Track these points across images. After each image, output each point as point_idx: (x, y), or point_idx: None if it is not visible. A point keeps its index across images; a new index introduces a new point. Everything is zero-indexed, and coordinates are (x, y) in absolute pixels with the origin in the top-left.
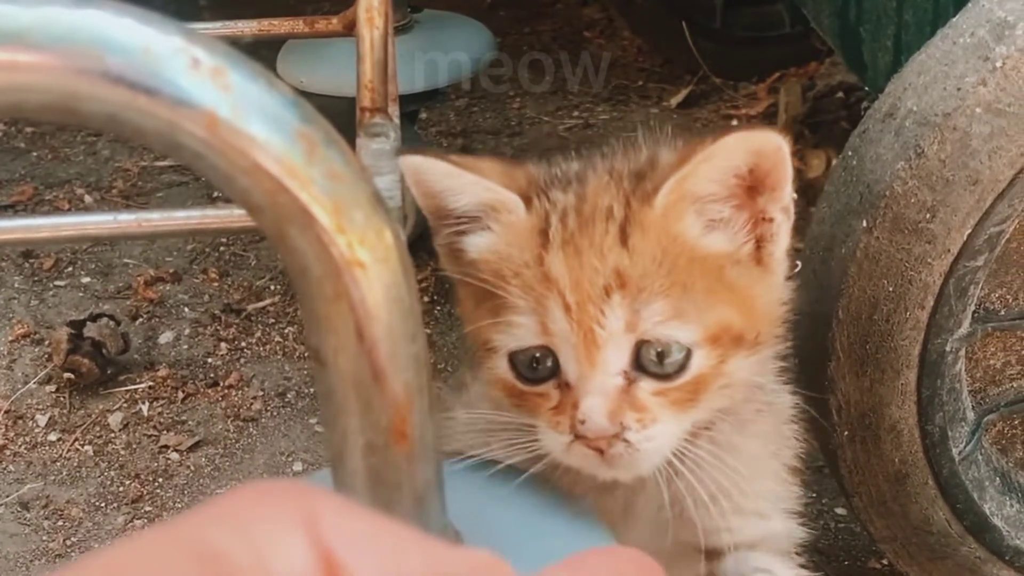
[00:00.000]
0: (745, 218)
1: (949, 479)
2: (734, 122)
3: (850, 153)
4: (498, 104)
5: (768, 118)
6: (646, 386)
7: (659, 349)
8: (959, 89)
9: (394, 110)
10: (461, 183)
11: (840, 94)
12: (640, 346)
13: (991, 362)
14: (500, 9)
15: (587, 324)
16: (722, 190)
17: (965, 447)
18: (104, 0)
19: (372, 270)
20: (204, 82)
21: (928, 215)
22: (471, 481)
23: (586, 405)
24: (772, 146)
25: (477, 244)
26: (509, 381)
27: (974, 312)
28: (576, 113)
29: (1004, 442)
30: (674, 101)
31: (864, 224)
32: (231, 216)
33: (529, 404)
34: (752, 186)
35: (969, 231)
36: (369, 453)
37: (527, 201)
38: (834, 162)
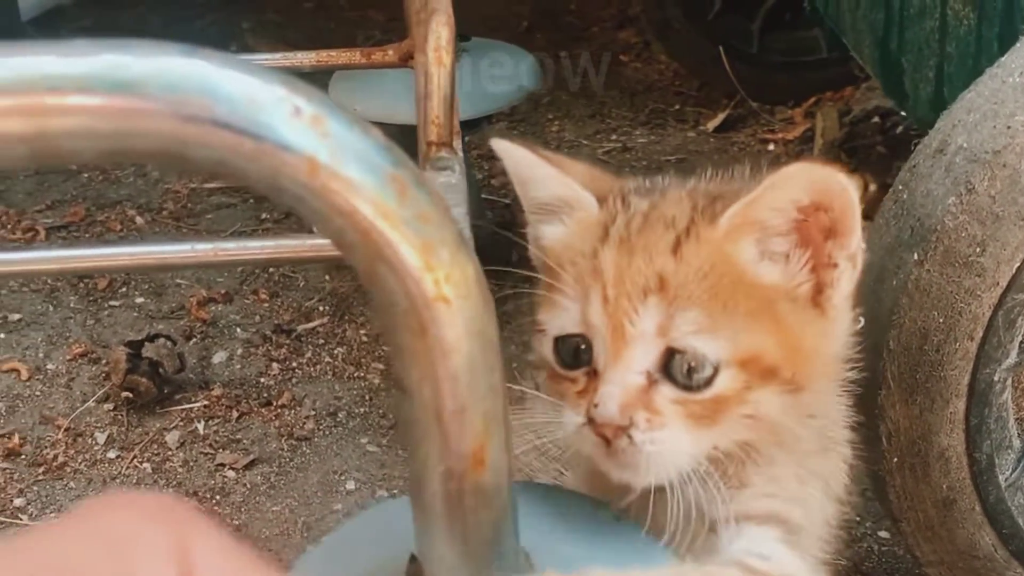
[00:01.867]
0: (807, 257)
1: (996, 505)
2: (771, 147)
3: (900, 187)
4: (537, 127)
5: (804, 142)
6: (666, 392)
7: (691, 363)
8: (1008, 127)
9: (458, 143)
10: (543, 174)
11: (876, 119)
12: (671, 353)
13: None
14: (537, 32)
15: (619, 319)
16: (784, 223)
17: (1011, 474)
18: (211, 52)
19: (456, 305)
20: (305, 129)
21: (978, 249)
22: (540, 504)
23: (603, 392)
24: (837, 184)
25: (550, 233)
26: (551, 364)
27: (1021, 343)
28: (614, 136)
29: None
30: (711, 125)
31: (915, 257)
32: (301, 246)
33: (562, 387)
34: (824, 228)
35: (1018, 265)
36: (448, 479)
37: (603, 201)
38: (871, 187)
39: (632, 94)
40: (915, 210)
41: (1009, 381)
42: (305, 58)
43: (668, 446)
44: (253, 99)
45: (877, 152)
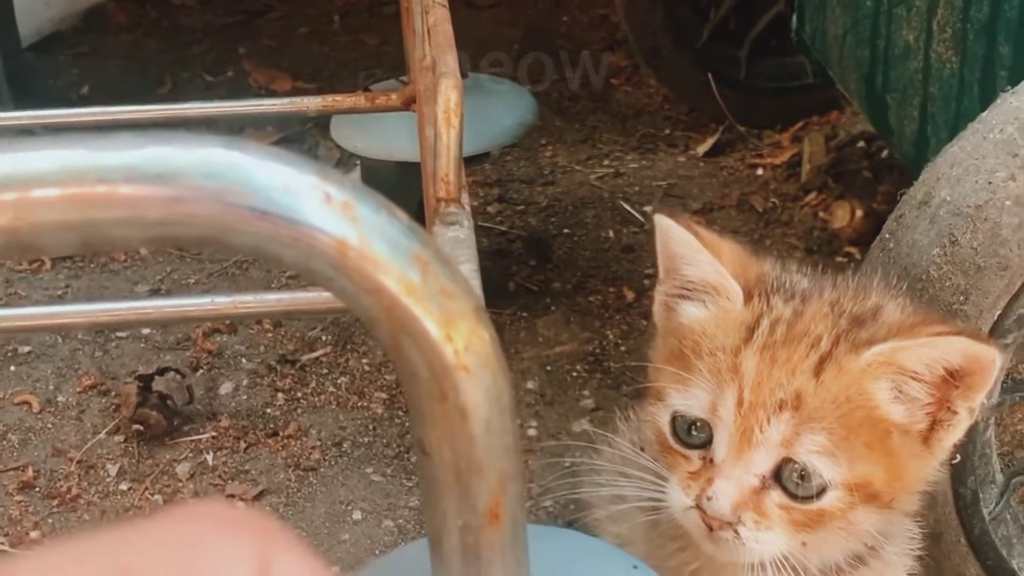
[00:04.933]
0: (932, 401)
1: (980, 537)
2: (759, 171)
3: (887, 236)
4: (530, 153)
5: (792, 167)
6: (776, 497)
7: (802, 472)
8: (990, 183)
9: (465, 198)
10: (697, 257)
11: (861, 143)
12: (786, 462)
13: (1019, 427)
14: (528, 56)
15: (750, 424)
16: (927, 375)
17: (995, 507)
18: (249, 142)
19: (474, 373)
20: (336, 215)
21: (961, 298)
22: (557, 550)
23: (719, 486)
24: (989, 359)
25: (690, 312)
26: (663, 433)
27: (1003, 383)
28: (607, 162)
29: None
30: (701, 149)
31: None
32: (318, 299)
33: (671, 459)
34: (950, 378)
35: (999, 312)
36: (466, 533)
37: (748, 296)
38: (857, 213)
39: (623, 119)
40: (901, 259)
41: (992, 420)
42: (312, 103)
43: (767, 546)
44: (288, 187)
45: (863, 177)
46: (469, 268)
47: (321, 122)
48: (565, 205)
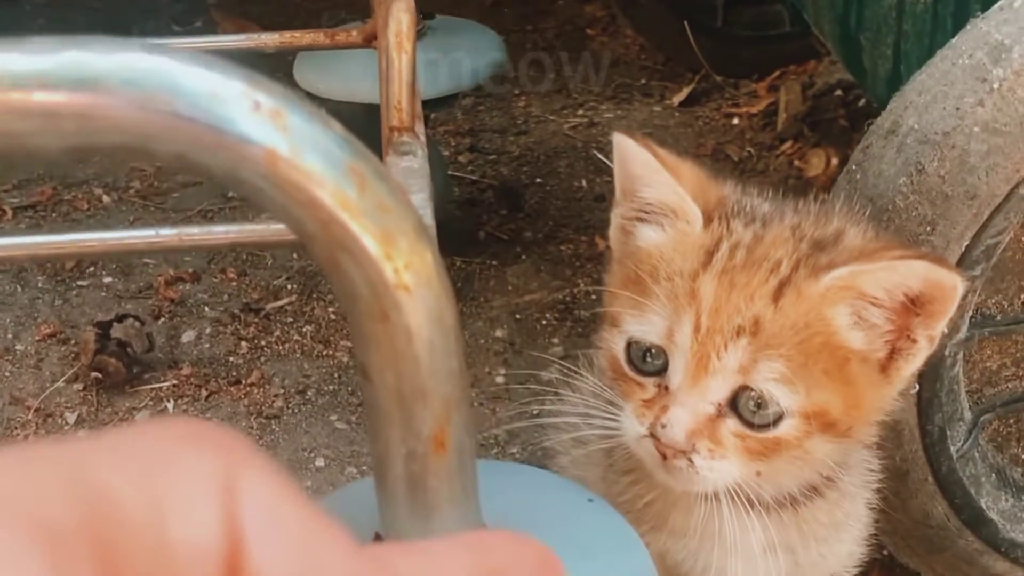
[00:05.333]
0: (891, 328)
1: (947, 476)
2: (735, 120)
3: (854, 167)
4: (503, 103)
5: (768, 116)
6: (731, 425)
7: (758, 400)
8: (958, 109)
9: (420, 128)
10: (655, 178)
11: (839, 92)
12: (742, 390)
13: (988, 364)
14: (504, 6)
15: (707, 350)
16: (887, 301)
17: (963, 445)
18: (174, 49)
19: (416, 293)
20: (265, 123)
21: (928, 228)
22: (510, 485)
23: (674, 414)
24: (950, 285)
25: (647, 235)
26: (618, 360)
27: (971, 317)
28: (580, 112)
29: (1000, 440)
30: (676, 99)
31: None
32: (267, 231)
33: (625, 387)
34: (910, 304)
35: (967, 243)
36: (410, 461)
37: (707, 219)
38: (833, 161)
39: (597, 69)
40: (867, 190)
41: (960, 355)
42: (269, 39)
43: (721, 475)
44: (214, 94)
45: (839, 125)
46: (422, 197)
47: (285, 64)
48: (538, 155)
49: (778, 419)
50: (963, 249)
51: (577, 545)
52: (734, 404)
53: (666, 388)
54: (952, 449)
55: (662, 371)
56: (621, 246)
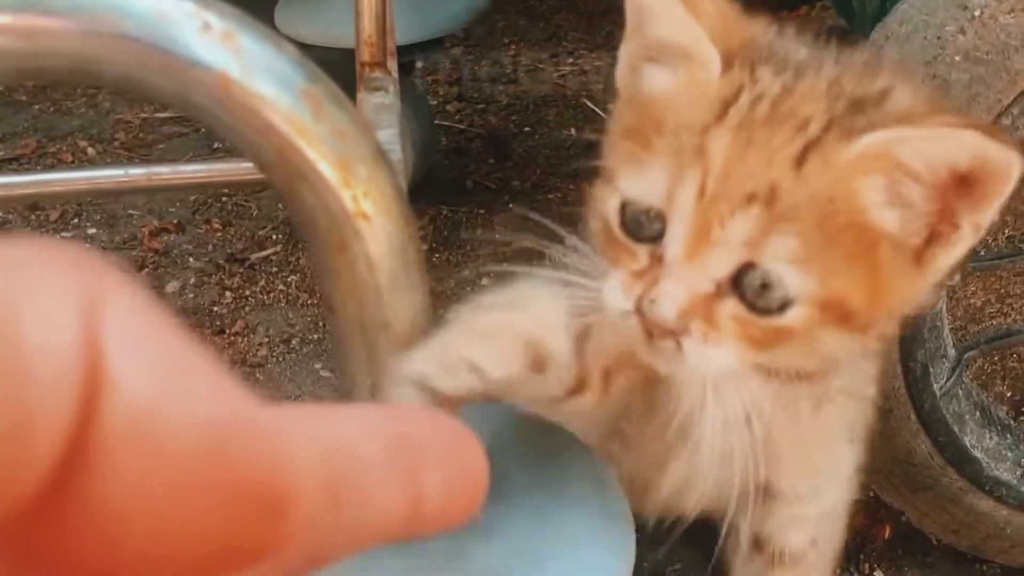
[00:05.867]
0: (932, 211)
1: (931, 413)
2: None
3: None
4: (493, 52)
5: None
6: (731, 305)
7: (765, 280)
8: (939, 38)
9: (392, 64)
10: (668, 11)
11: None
12: (748, 267)
13: (972, 301)
14: None
15: (710, 217)
16: (928, 176)
17: (946, 382)
18: None
19: (376, 221)
20: (215, 45)
21: None
22: (480, 420)
23: (665, 288)
24: (1005, 163)
25: (655, 78)
26: (610, 222)
27: None
28: (571, 60)
29: (984, 377)
30: None
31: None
32: (237, 169)
33: (616, 253)
34: (957, 183)
35: None
36: (376, 393)
37: (727, 64)
38: None
39: (590, 16)
40: None
41: (943, 291)
42: None
43: (714, 361)
44: (161, 13)
45: None
46: (391, 133)
47: (267, 8)
48: (527, 103)
49: (785, 305)
50: None
51: (549, 485)
52: (736, 283)
53: (660, 258)
54: (935, 386)
55: (658, 238)
56: (628, 89)
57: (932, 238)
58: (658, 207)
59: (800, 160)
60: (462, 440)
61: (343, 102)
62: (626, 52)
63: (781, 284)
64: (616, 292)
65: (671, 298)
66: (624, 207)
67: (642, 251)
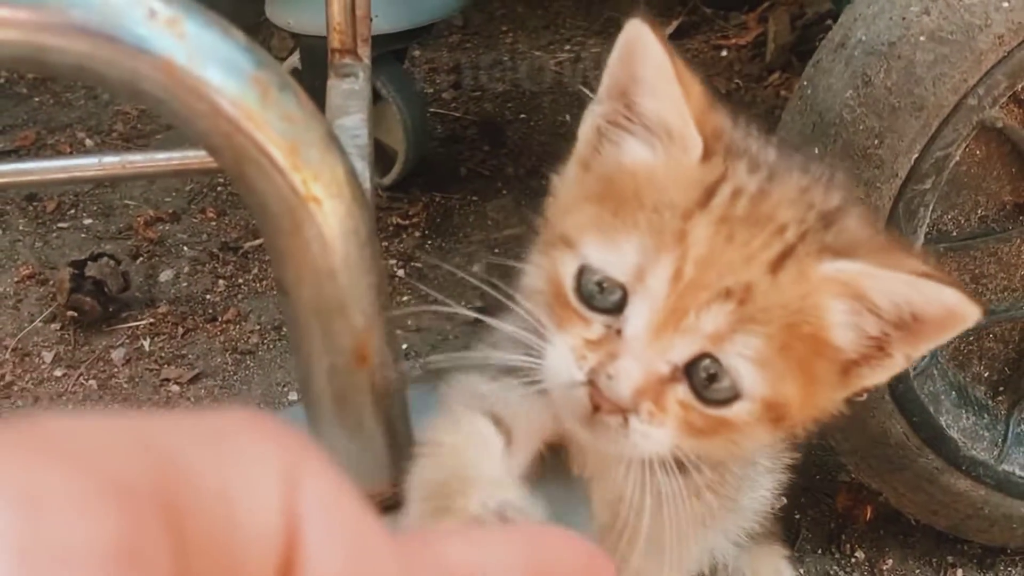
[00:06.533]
0: (875, 336)
1: (905, 394)
2: (724, 52)
3: (805, 83)
4: (491, 39)
5: (757, 47)
6: (681, 391)
7: (714, 372)
8: (904, 19)
9: (364, 50)
10: (664, 89)
11: (829, 22)
12: (703, 356)
13: None
14: None
15: (685, 304)
16: (891, 313)
17: (921, 363)
18: None
19: (327, 205)
20: (160, 31)
21: (876, 141)
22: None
23: (624, 365)
24: (972, 318)
25: (634, 151)
26: (563, 285)
27: (927, 233)
28: (568, 47)
29: (961, 358)
30: (665, 32)
31: (816, 151)
32: (210, 157)
33: (565, 318)
34: (908, 320)
35: (916, 156)
36: (333, 376)
37: (707, 152)
38: None
39: (587, 3)
40: (817, 105)
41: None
42: None
43: (651, 443)
44: (108, 2)
45: None
46: (359, 119)
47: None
48: (523, 91)
49: (733, 399)
50: (912, 162)
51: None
52: (689, 370)
53: (618, 332)
54: (909, 367)
55: (616, 311)
56: (592, 152)
57: (862, 358)
58: (621, 281)
59: (776, 266)
60: (597, 562)
61: (293, 87)
62: (597, 114)
63: (735, 379)
64: (567, 360)
65: (629, 377)
66: (582, 272)
67: (597, 321)
